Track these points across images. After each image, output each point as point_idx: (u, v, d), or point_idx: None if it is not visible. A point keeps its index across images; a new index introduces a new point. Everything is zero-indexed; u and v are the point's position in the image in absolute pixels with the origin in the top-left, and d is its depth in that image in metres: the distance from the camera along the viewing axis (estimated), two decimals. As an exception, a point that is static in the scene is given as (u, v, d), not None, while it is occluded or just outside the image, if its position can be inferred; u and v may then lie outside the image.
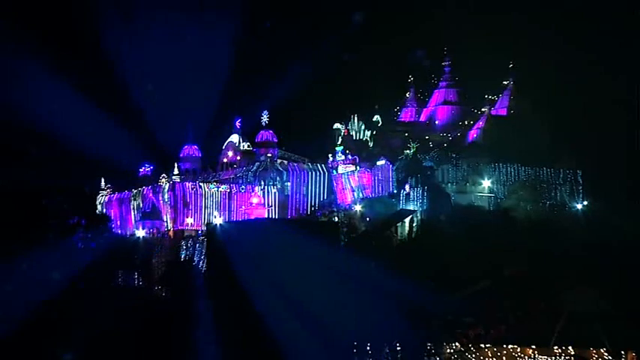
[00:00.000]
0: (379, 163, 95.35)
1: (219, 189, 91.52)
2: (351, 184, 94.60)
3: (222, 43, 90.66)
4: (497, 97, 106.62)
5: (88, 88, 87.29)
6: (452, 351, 41.33)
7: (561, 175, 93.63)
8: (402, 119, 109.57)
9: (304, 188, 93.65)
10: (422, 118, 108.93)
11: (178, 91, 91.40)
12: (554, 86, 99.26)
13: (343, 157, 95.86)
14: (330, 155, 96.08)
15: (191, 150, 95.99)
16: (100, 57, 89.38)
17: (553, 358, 42.44)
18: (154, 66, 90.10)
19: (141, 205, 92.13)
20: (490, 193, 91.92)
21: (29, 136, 75.99)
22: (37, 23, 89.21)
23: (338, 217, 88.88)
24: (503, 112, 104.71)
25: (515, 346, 42.36)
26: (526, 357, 42.45)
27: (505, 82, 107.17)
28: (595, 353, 42.96)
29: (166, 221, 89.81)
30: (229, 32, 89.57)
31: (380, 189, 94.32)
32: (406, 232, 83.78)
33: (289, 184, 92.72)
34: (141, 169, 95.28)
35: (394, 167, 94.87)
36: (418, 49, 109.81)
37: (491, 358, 42.09)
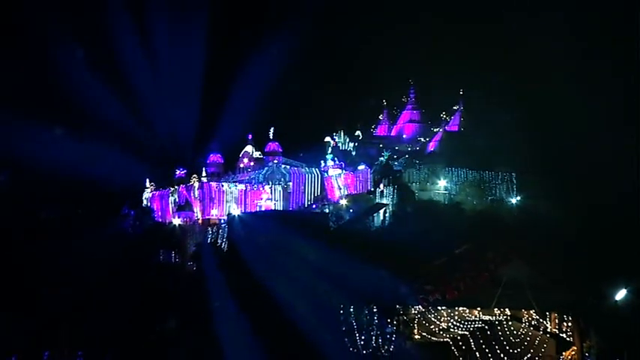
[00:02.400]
0: (360, 167, 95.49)
1: (237, 187, 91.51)
2: (339, 183, 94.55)
3: (242, 73, 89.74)
4: (450, 117, 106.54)
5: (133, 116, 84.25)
6: (416, 312, 41.11)
7: (499, 177, 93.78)
8: (378, 134, 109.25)
9: (302, 187, 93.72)
10: (393, 133, 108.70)
11: (207, 112, 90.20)
12: (493, 108, 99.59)
13: (332, 163, 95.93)
14: (322, 161, 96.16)
15: (215, 157, 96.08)
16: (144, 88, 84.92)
17: (494, 317, 42.27)
18: (187, 94, 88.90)
19: (177, 199, 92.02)
20: (445, 190, 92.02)
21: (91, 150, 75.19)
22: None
23: (328, 209, 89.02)
24: (455, 128, 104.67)
25: (465, 308, 42.19)
26: (473, 316, 42.28)
27: (456, 107, 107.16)
28: (526, 313, 42.84)
29: (196, 212, 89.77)
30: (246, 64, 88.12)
31: (360, 187, 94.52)
32: (381, 220, 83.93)
33: (291, 183, 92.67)
34: (177, 172, 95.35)
35: (371, 171, 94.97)
36: (390, 79, 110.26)
37: (447, 317, 41.89)
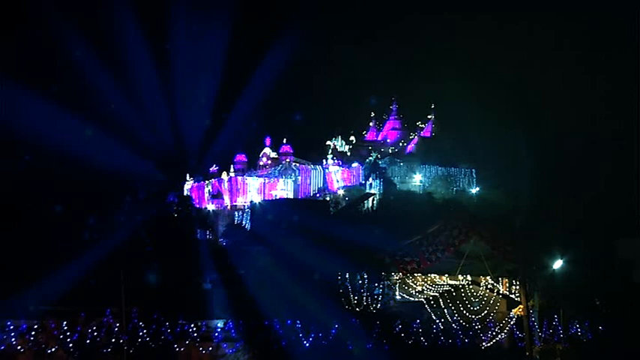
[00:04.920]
0: (353, 165, 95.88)
1: (258, 180, 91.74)
2: (337, 177, 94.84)
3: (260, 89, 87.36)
4: (425, 125, 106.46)
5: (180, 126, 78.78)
6: (397, 278, 40.94)
7: (462, 172, 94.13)
8: (367, 139, 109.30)
9: (308, 180, 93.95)
10: (379, 138, 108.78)
11: (235, 120, 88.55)
12: (458, 118, 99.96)
13: (332, 161, 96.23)
14: (324, 160, 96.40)
15: (241, 157, 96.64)
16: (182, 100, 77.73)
17: (458, 282, 42.10)
18: (218, 106, 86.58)
19: (211, 190, 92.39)
20: (420, 183, 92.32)
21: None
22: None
23: (328, 197, 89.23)
24: (428, 134, 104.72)
25: (436, 275, 41.96)
26: (442, 281, 42.09)
27: (429, 116, 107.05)
28: (483, 279, 42.69)
29: (226, 200, 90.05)
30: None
31: (354, 180, 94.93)
32: (369, 206, 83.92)
33: (300, 177, 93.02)
34: (210, 168, 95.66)
35: (363, 167, 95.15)
36: (378, 96, 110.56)
37: (421, 282, 41.71)
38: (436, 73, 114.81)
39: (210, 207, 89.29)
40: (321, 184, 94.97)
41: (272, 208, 76.96)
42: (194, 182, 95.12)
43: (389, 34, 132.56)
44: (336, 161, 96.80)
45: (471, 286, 42.25)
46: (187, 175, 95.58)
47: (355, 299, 38.71)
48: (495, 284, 42.62)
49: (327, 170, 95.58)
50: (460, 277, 41.88)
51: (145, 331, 32.38)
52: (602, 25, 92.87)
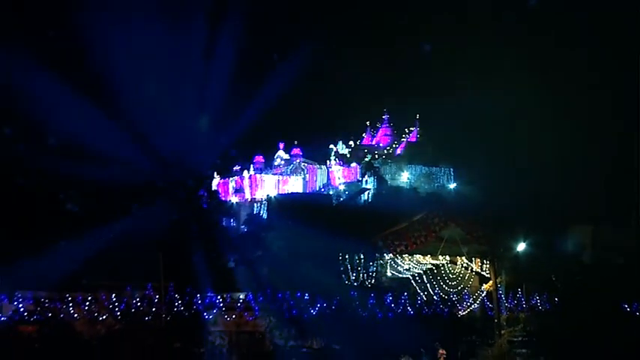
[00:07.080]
0: (352, 165, 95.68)
1: (273, 178, 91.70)
2: (338, 175, 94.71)
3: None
4: (411, 131, 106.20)
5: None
6: (388, 258, 40.67)
7: (442, 170, 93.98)
8: (363, 143, 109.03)
9: (315, 177, 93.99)
10: (374, 142, 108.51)
11: (255, 128, 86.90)
12: (437, 126, 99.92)
13: (334, 162, 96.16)
14: (327, 161, 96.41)
15: (259, 158, 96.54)
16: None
17: (439, 261, 41.73)
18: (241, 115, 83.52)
19: (234, 185, 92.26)
20: (407, 180, 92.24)
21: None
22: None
23: (331, 191, 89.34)
24: (414, 139, 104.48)
25: (421, 255, 41.56)
26: (425, 261, 41.62)
27: (415, 125, 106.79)
28: (459, 259, 42.25)
29: (247, 194, 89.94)
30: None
31: (352, 178, 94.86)
32: (365, 199, 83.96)
33: (308, 175, 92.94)
34: (234, 168, 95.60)
35: (360, 167, 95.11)
36: (372, 107, 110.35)
37: (408, 262, 41.29)
38: (421, 87, 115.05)
39: (234, 200, 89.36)
40: (325, 181, 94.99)
41: (284, 200, 77.15)
42: (220, 179, 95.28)
43: (382, 56, 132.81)
44: (337, 162, 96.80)
45: (449, 265, 41.94)
46: (214, 172, 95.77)
47: (353, 275, 38.53)
48: (469, 263, 42.28)
49: (330, 169, 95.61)
50: (440, 257, 41.52)
51: (179, 302, 32.32)
52: (600, 25, 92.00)
